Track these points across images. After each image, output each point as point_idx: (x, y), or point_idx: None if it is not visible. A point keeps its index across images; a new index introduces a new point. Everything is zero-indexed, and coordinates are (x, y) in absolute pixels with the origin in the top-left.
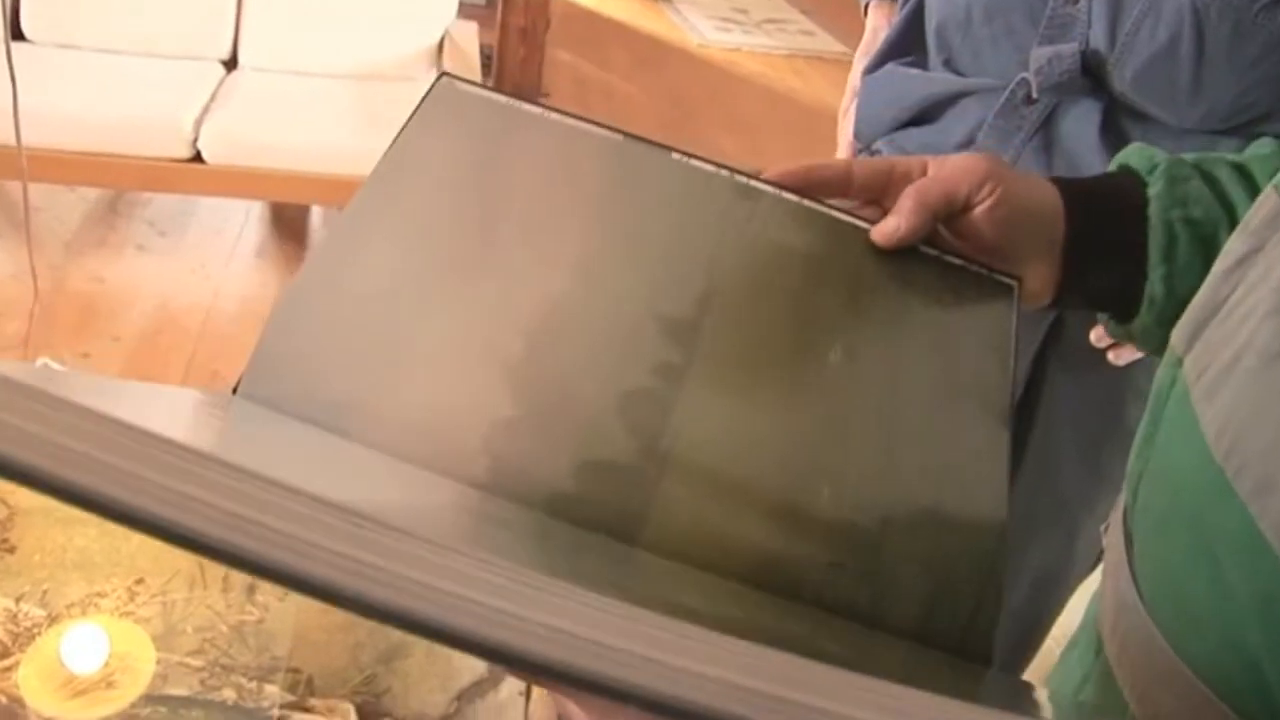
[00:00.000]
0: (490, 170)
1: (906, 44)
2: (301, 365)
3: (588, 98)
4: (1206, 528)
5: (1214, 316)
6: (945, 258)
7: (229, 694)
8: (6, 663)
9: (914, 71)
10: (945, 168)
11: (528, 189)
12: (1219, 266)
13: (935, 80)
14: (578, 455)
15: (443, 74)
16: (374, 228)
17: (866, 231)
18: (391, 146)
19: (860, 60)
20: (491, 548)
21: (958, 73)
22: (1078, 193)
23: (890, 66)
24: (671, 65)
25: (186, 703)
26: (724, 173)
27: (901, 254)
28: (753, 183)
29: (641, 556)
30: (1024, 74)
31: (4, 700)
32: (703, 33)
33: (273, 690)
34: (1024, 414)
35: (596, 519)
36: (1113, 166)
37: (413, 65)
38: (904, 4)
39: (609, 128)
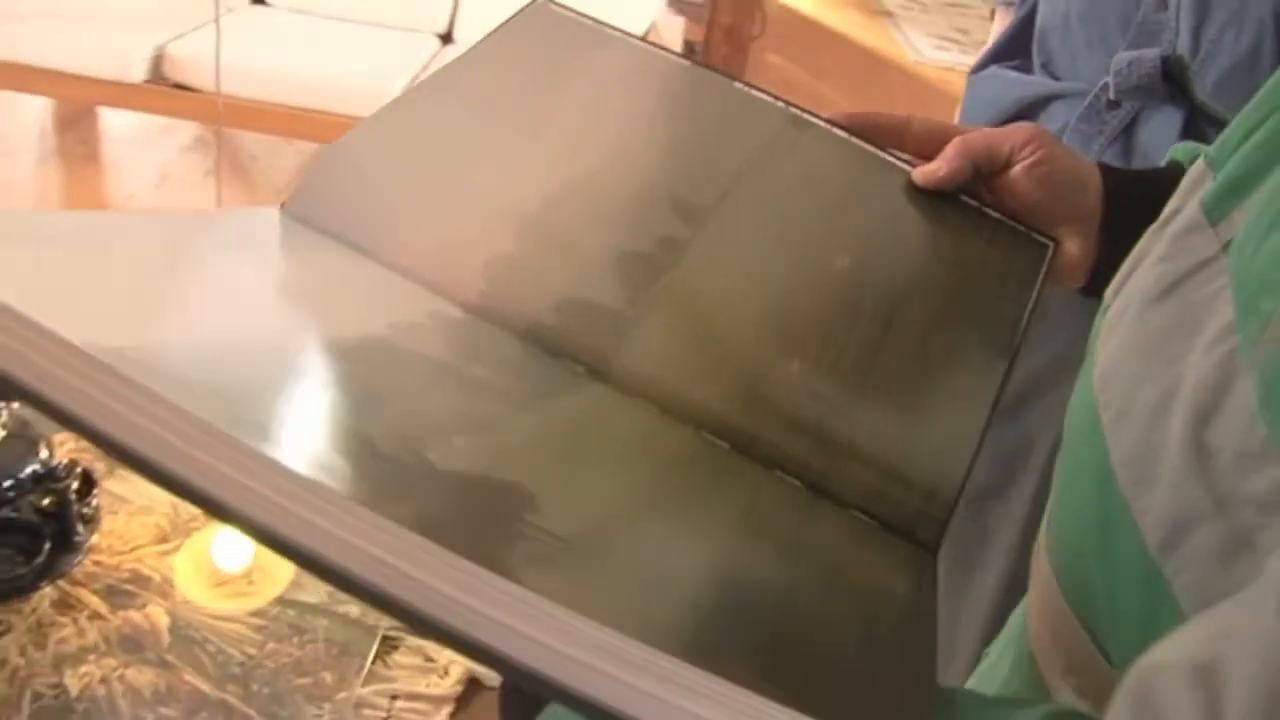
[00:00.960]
0: (557, 71)
1: (1015, 47)
2: (340, 193)
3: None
4: (1080, 463)
5: (1136, 269)
6: (985, 209)
7: (353, 610)
8: (165, 547)
9: (1012, 74)
10: (997, 130)
11: (586, 89)
12: (1153, 225)
13: (1029, 83)
14: (565, 293)
15: None
16: (433, 98)
17: (908, 173)
18: (474, 45)
19: None
20: (466, 377)
21: (1054, 76)
22: (1117, 176)
23: (993, 69)
24: (884, 79)
25: (314, 609)
26: (780, 104)
27: (941, 198)
28: (806, 115)
29: (604, 391)
30: (1106, 78)
31: (158, 578)
32: (920, 50)
33: None
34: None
35: (571, 350)
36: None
37: None
38: (1020, 8)
39: (687, 58)
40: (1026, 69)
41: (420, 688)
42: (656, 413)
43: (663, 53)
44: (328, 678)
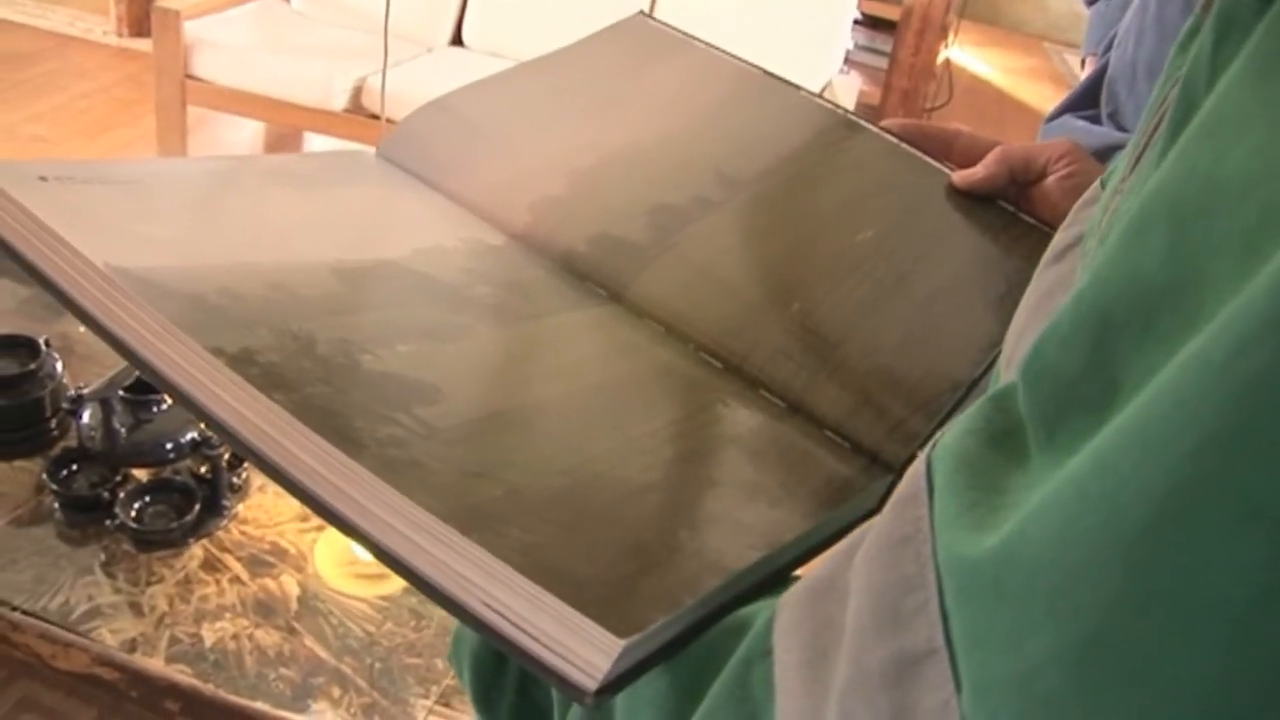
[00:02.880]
0: (637, 67)
1: (1090, 97)
2: (425, 141)
3: None
4: None
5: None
6: (1018, 214)
7: None
8: (304, 525)
9: (1080, 123)
10: (1036, 144)
11: (660, 83)
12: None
13: (1094, 133)
14: (600, 229)
15: (639, 11)
16: (520, 77)
17: (948, 177)
18: (569, 45)
19: None
20: (462, 296)
21: (1120, 126)
22: None
23: (1065, 117)
24: None
25: None
26: (840, 110)
27: (977, 200)
28: (860, 121)
29: (617, 309)
30: None
31: (294, 552)
32: None
33: None
34: None
35: (596, 276)
36: None
37: None
38: (1100, 58)
39: (765, 72)
40: (1099, 119)
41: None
42: (661, 332)
43: (742, 62)
44: (438, 663)
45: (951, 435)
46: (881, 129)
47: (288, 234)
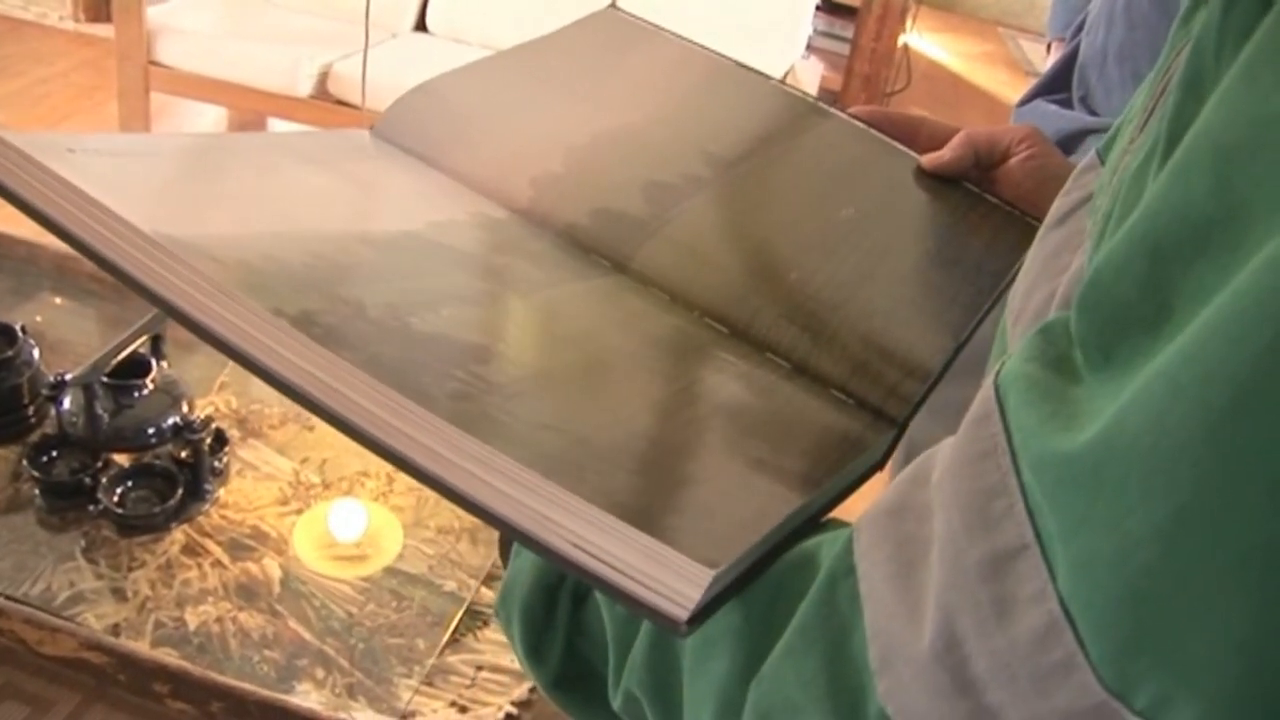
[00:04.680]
0: (613, 55)
1: (1061, 81)
2: (420, 121)
3: None
4: (991, 364)
5: None
6: (984, 195)
7: (451, 584)
8: (284, 509)
9: (1052, 107)
10: (999, 127)
11: (637, 69)
12: None
13: (1066, 117)
14: (600, 204)
15: (611, 4)
16: (501, 64)
17: (916, 161)
18: (542, 36)
19: None
20: (484, 264)
21: (1092, 110)
22: None
23: (1037, 102)
24: None
25: (414, 580)
26: (810, 99)
27: (944, 181)
28: (830, 108)
29: (621, 279)
30: None
31: (275, 535)
32: None
33: (489, 594)
34: None
35: (599, 248)
36: None
37: None
38: (1069, 43)
39: (736, 62)
40: (1070, 103)
41: (504, 661)
42: (666, 299)
43: (712, 52)
44: (420, 643)
45: (1013, 363)
46: (850, 115)
47: (312, 206)
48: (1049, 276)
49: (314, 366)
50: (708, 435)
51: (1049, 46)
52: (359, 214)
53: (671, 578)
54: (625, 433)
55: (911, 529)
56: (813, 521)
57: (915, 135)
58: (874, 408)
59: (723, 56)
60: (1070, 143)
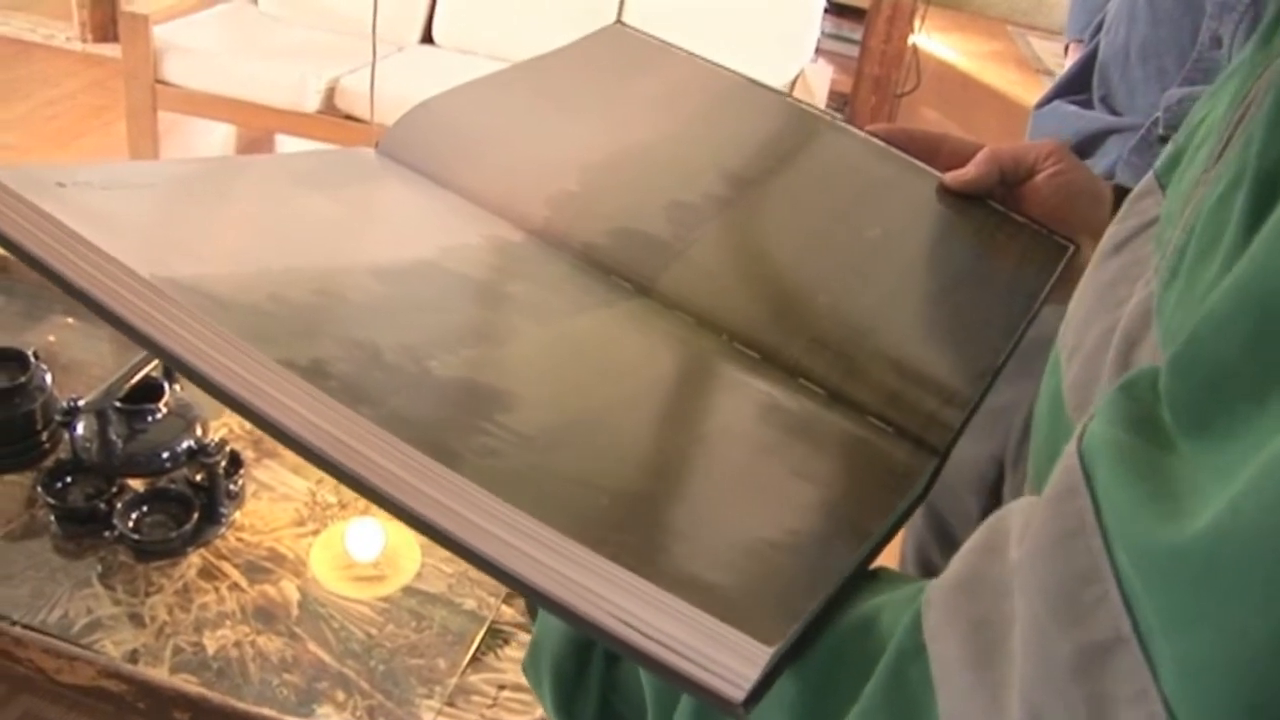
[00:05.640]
0: (623, 72)
1: (1080, 82)
2: (427, 138)
3: None
4: (1042, 399)
5: None
6: (1010, 214)
7: (470, 603)
8: (301, 530)
9: (1071, 108)
10: (1024, 143)
11: (649, 87)
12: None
13: (1086, 117)
14: (619, 223)
15: (619, 19)
16: (508, 80)
17: (938, 179)
18: (546, 53)
19: None
20: (500, 294)
21: (1113, 110)
22: (1126, 193)
23: (1056, 102)
24: None
25: (434, 599)
26: (827, 115)
27: (969, 200)
28: (849, 126)
29: (646, 303)
30: (1158, 113)
31: (293, 557)
32: None
33: (510, 612)
34: None
35: (620, 269)
36: None
37: None
38: (1088, 44)
39: (747, 78)
40: (1090, 104)
41: (526, 680)
42: (693, 323)
43: (723, 69)
44: (440, 663)
45: (1097, 427)
46: (870, 133)
47: (316, 235)
48: (1107, 308)
49: (331, 425)
50: (753, 481)
51: (1067, 48)
52: (368, 243)
53: (727, 656)
54: (665, 484)
55: (987, 608)
56: (863, 566)
57: (936, 152)
58: (914, 436)
59: (733, 72)
60: (1091, 143)
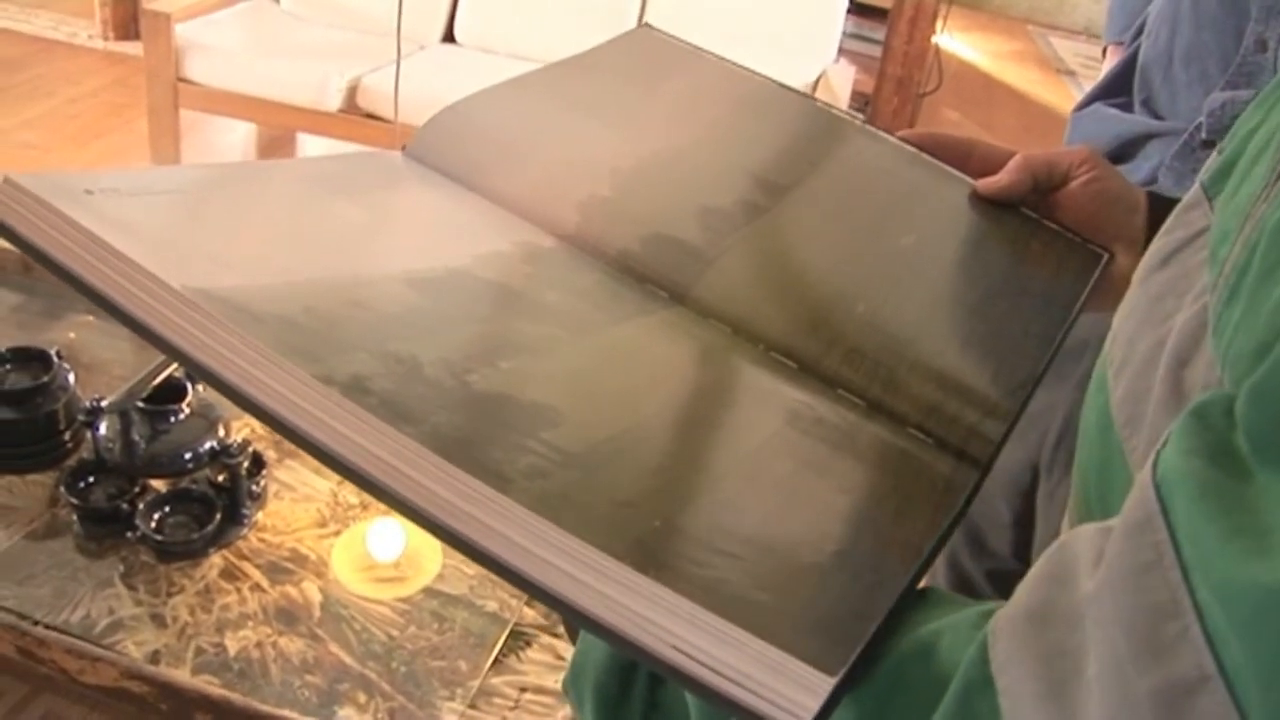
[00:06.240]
0: (652, 76)
1: (1120, 85)
2: (455, 141)
3: None
4: (1089, 414)
5: None
6: (1044, 221)
7: (492, 604)
8: (323, 531)
9: (1112, 111)
10: (1057, 150)
11: (679, 91)
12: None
13: (1127, 121)
14: (653, 229)
15: (645, 22)
16: (534, 84)
17: (970, 186)
18: (573, 56)
19: None
20: (535, 303)
21: (1155, 114)
22: (1164, 203)
23: (1096, 105)
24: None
25: (455, 601)
26: (857, 120)
27: (1002, 207)
28: (879, 131)
29: (681, 311)
30: (1201, 118)
31: (315, 558)
32: None
33: (532, 614)
34: None
35: (655, 277)
36: None
37: None
38: (1128, 46)
39: (778, 83)
40: (1130, 107)
41: (548, 683)
42: (729, 333)
43: (752, 72)
44: (462, 665)
45: (1171, 456)
46: (900, 139)
47: (346, 242)
48: (1155, 323)
49: (373, 444)
50: (800, 498)
51: (1104, 51)
52: (398, 250)
53: (786, 686)
54: (713, 502)
55: (1059, 640)
56: (913, 585)
57: (967, 159)
58: (956, 449)
59: (764, 77)
60: (1132, 147)
